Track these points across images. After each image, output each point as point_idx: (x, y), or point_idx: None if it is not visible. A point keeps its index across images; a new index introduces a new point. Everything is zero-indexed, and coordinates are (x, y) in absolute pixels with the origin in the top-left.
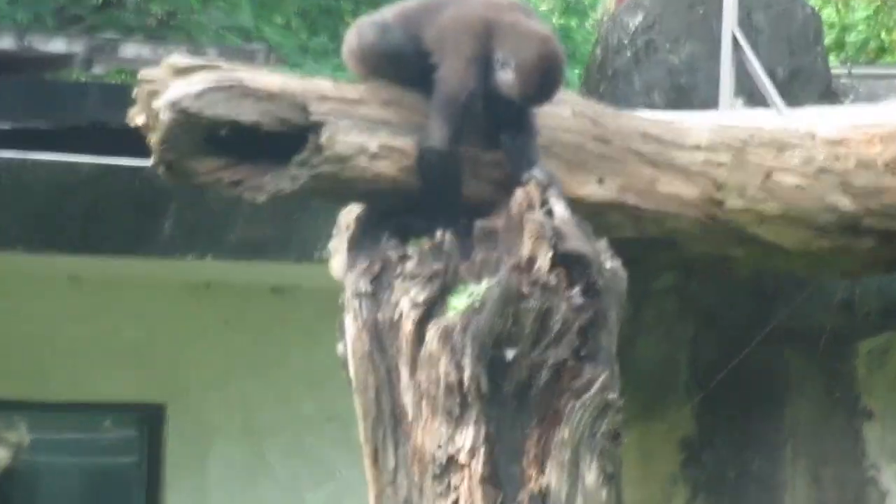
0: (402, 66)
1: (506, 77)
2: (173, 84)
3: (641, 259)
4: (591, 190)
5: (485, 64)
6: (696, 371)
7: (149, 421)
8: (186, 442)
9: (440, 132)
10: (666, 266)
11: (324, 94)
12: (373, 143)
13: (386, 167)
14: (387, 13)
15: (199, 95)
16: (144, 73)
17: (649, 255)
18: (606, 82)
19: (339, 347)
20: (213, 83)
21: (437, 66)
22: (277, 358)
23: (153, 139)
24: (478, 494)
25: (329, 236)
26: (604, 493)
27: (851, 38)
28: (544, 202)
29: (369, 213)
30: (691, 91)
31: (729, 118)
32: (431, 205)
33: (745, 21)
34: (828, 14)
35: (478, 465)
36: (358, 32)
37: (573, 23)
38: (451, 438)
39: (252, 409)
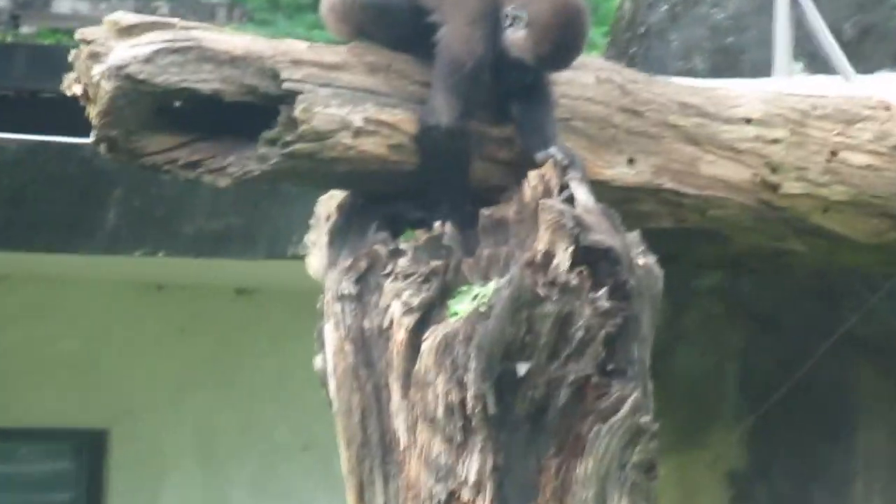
0: (394, 24)
1: (516, 36)
2: (117, 46)
3: (681, 254)
4: (620, 171)
5: (494, 22)
6: (748, 388)
7: (88, 449)
8: (133, 474)
9: (446, 106)
10: (710, 262)
11: (298, 58)
12: (357, 116)
13: (373, 145)
14: None
15: (149, 59)
16: (82, 33)
17: (690, 250)
18: (637, 43)
19: (318, 361)
20: (165, 45)
21: (437, 27)
22: (243, 373)
23: (93, 111)
24: None
25: (305, 228)
26: None
27: None
28: (563, 186)
29: (353, 201)
30: (740, 53)
31: (785, 85)
32: (431, 191)
33: None
34: None
35: (484, 503)
36: None
37: None
38: (451, 470)
39: (212, 434)
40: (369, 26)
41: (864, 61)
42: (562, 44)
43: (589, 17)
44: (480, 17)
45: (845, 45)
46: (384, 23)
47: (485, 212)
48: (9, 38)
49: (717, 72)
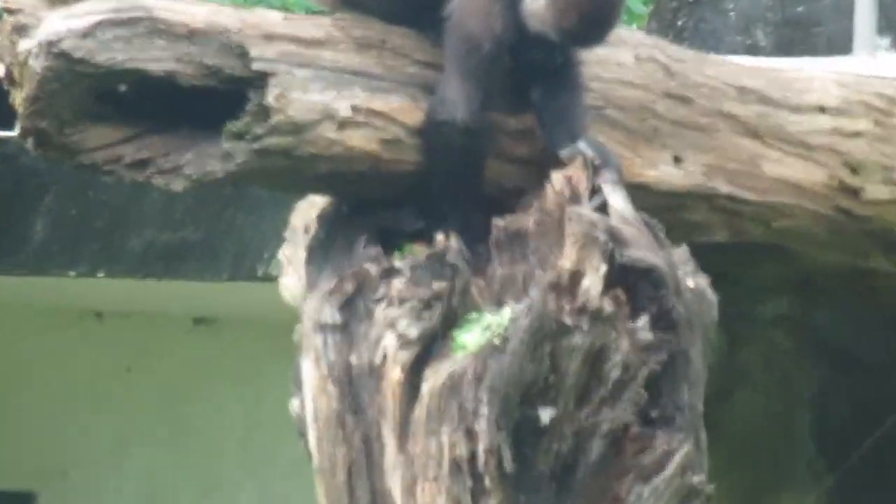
0: None
1: (536, 5)
2: (49, 17)
3: (740, 275)
4: (664, 172)
5: None
6: (826, 440)
7: None
8: None
9: (461, 96)
10: (776, 285)
11: (271, 32)
12: (343, 103)
13: (362, 139)
14: None
15: (87, 33)
16: (6, 2)
17: (751, 269)
18: (686, 13)
19: (294, 405)
20: (108, 16)
21: None
22: (201, 422)
23: (19, 97)
24: None
25: (278, 242)
26: None
27: None
28: (595, 190)
29: (338, 209)
30: (812, 26)
31: (869, 66)
32: (435, 197)
33: None
34: None
35: None
36: None
37: None
38: None
39: (162, 497)
40: None
41: None
42: (591, 13)
43: None
44: None
45: None
46: None
47: (498, 222)
48: None
49: (783, 48)
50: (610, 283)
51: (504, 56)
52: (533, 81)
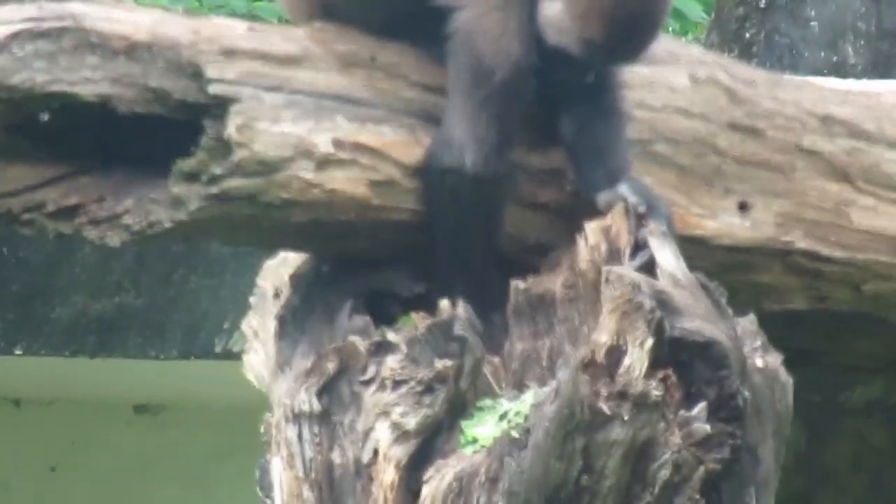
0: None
1: (552, 11)
2: None
3: (823, 352)
4: (727, 222)
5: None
6: None
7: None
8: None
9: (470, 137)
10: (868, 365)
11: (232, 47)
12: (322, 136)
13: (347, 181)
14: None
15: (1, 48)
16: None
17: (837, 345)
18: (756, 22)
19: None
20: (27, 25)
21: (449, 9)
22: None
23: None
24: None
25: (241, 311)
26: None
27: None
28: (639, 246)
29: (316, 268)
30: None
31: None
32: (439, 255)
33: None
34: None
35: None
36: None
37: None
38: None
39: None
40: (343, 1)
41: None
42: (618, 19)
43: None
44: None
45: None
46: None
47: (518, 284)
48: None
49: (880, 68)
50: (658, 362)
51: (525, 85)
52: (561, 108)
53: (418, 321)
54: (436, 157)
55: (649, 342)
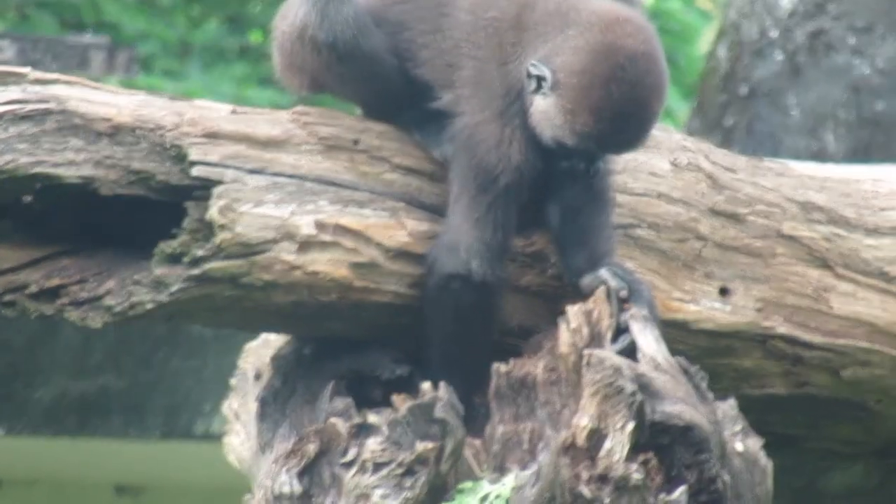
0: (372, 76)
1: (544, 105)
2: None
3: (802, 437)
4: (708, 307)
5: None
6: None
7: None
8: None
9: (477, 243)
10: (848, 450)
11: (215, 130)
12: (305, 218)
13: (329, 263)
14: None
15: None
16: None
17: (816, 430)
18: (737, 109)
19: None
20: (10, 107)
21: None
22: None
23: None
24: None
25: (222, 393)
26: None
27: None
28: (620, 329)
29: (298, 350)
30: (895, 126)
31: None
32: (437, 363)
33: None
34: None
35: None
36: (295, 8)
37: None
38: None
39: None
40: (330, 77)
41: None
42: (611, 113)
43: (660, 67)
44: (513, 101)
45: None
46: (353, 74)
47: (500, 367)
48: None
49: (860, 155)
50: (638, 445)
51: (525, 187)
52: (548, 192)
53: (399, 403)
54: (439, 263)
55: (630, 426)
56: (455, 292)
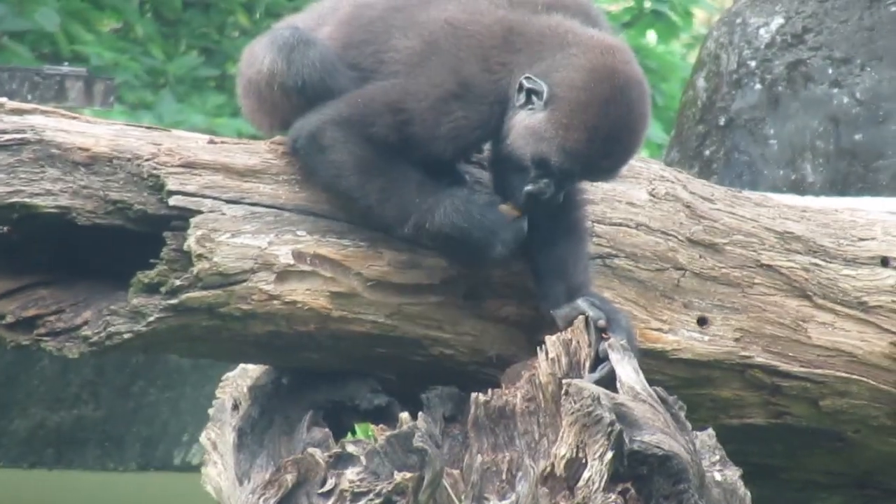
0: None
1: (533, 121)
2: None
3: (781, 467)
4: (687, 337)
5: (497, 111)
6: None
7: None
8: None
9: (328, 109)
10: (826, 481)
11: (193, 160)
12: (283, 248)
13: (307, 293)
14: (319, 16)
15: None
16: None
17: (794, 460)
18: (716, 140)
19: None
20: None
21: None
22: None
23: None
24: None
25: (201, 422)
26: None
27: None
28: (599, 359)
29: (276, 380)
30: (872, 158)
31: None
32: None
33: None
34: None
35: None
36: (261, 56)
37: (652, 36)
38: None
39: None
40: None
41: None
42: (604, 133)
43: (647, 96)
44: (484, 92)
45: None
46: None
47: (479, 397)
48: None
49: (838, 186)
50: (617, 475)
51: (422, 153)
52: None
53: (378, 433)
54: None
55: (609, 455)
56: (305, 154)
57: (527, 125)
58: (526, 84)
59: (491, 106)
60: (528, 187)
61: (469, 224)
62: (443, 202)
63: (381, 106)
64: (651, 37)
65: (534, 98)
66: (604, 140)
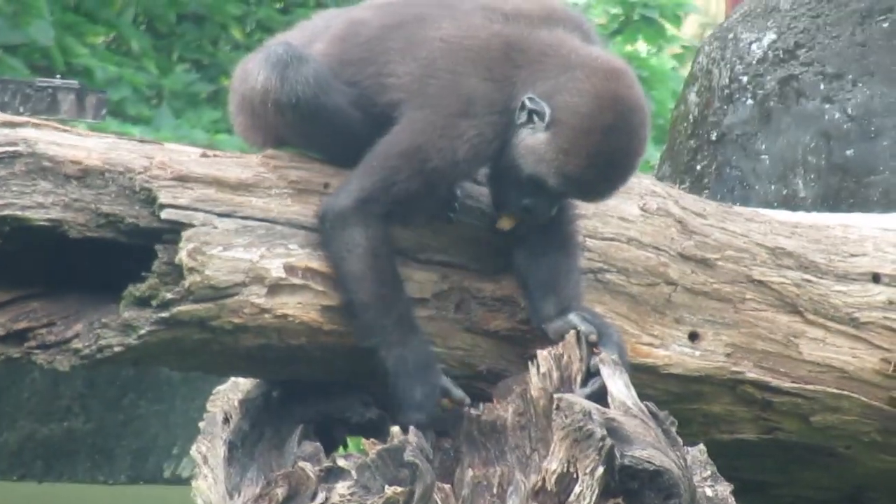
0: (334, 131)
1: (534, 140)
2: None
3: (772, 482)
4: (678, 352)
5: (507, 120)
6: None
7: None
8: None
9: (353, 183)
10: (818, 497)
11: (185, 173)
12: (274, 262)
13: (298, 307)
14: (312, 33)
15: None
16: None
17: (786, 475)
18: (708, 155)
19: None
20: None
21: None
22: None
23: None
24: None
25: (191, 436)
26: None
27: None
28: (590, 374)
29: (266, 394)
30: (864, 174)
31: None
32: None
33: None
34: None
35: None
36: (254, 72)
37: (643, 45)
38: None
39: None
40: (296, 136)
41: None
42: (603, 160)
43: (647, 120)
44: (491, 115)
45: None
46: (319, 131)
47: (471, 412)
48: None
49: (829, 201)
50: (608, 490)
51: (446, 188)
52: (515, 237)
53: (369, 447)
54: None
55: (600, 470)
56: (327, 234)
57: (527, 144)
58: (528, 104)
59: (501, 115)
60: (524, 201)
61: (405, 384)
62: (400, 351)
63: (396, 160)
64: (641, 46)
65: (535, 118)
66: (603, 166)
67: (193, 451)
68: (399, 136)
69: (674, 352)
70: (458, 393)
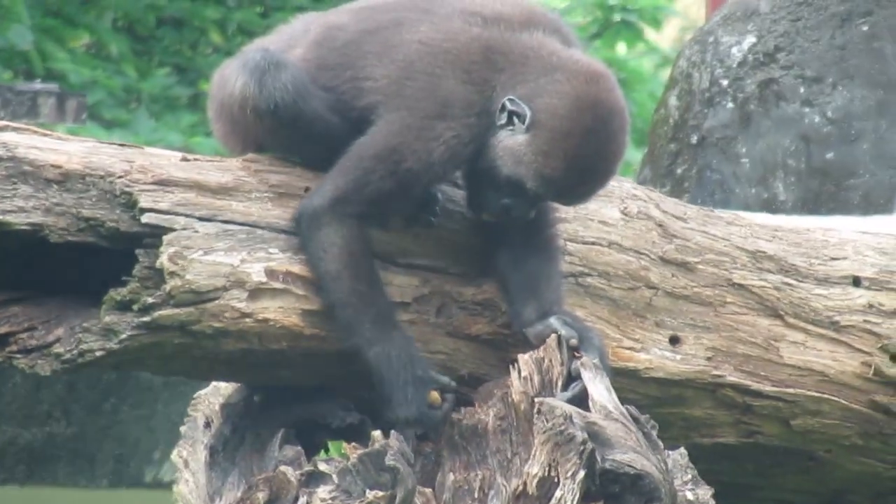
0: (313, 137)
1: (513, 142)
2: None
3: (752, 486)
4: (659, 356)
5: (485, 123)
6: None
7: None
8: None
9: (327, 185)
10: (798, 500)
11: (166, 177)
12: (255, 266)
13: (279, 311)
14: (290, 38)
15: None
16: None
17: (766, 480)
18: (688, 158)
19: None
20: None
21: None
22: None
23: None
24: None
25: (173, 440)
26: None
27: None
28: (571, 378)
29: (247, 398)
30: (844, 177)
31: None
32: (382, 395)
33: None
34: None
35: None
36: (232, 79)
37: (622, 48)
38: None
39: None
40: (276, 141)
41: None
42: (582, 163)
43: (627, 124)
44: (468, 117)
45: None
46: (298, 136)
47: (452, 416)
48: None
49: (809, 205)
50: (589, 493)
51: (422, 188)
52: (496, 241)
53: (350, 451)
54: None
55: (581, 474)
56: (304, 235)
57: (506, 146)
58: (509, 106)
59: (479, 117)
60: (503, 201)
61: (390, 380)
62: (382, 347)
63: (370, 161)
64: (621, 48)
65: (515, 120)
66: (581, 169)
67: (175, 455)
68: (374, 138)
69: (654, 356)
70: (444, 379)
